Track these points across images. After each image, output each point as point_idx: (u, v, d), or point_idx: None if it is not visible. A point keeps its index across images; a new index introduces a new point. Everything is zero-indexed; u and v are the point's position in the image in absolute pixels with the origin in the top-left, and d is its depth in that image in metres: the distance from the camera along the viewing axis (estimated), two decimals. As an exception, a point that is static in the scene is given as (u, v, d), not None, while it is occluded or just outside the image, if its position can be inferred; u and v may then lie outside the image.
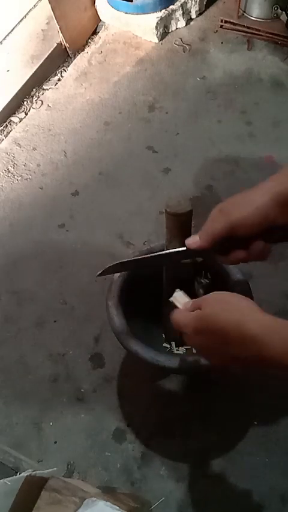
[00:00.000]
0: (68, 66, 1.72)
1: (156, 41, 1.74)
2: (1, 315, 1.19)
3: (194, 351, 0.95)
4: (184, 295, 0.70)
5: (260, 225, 0.60)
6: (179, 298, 0.69)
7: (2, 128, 1.57)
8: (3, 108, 1.56)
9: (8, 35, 1.72)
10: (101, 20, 1.82)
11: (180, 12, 1.74)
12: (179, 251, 0.70)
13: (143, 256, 0.75)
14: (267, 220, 0.60)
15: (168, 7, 1.72)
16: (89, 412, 1.04)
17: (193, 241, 0.66)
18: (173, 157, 1.45)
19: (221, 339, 0.56)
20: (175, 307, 0.68)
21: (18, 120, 1.59)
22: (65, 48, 1.71)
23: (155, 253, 0.74)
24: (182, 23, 1.78)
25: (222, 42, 1.73)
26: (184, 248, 0.69)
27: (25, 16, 1.76)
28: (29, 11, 1.77)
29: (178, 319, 0.64)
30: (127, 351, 0.84)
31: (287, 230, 0.62)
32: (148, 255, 0.74)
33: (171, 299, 0.70)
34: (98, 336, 1.14)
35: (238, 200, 0.62)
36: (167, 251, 0.73)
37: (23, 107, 1.62)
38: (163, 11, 1.71)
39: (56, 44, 1.68)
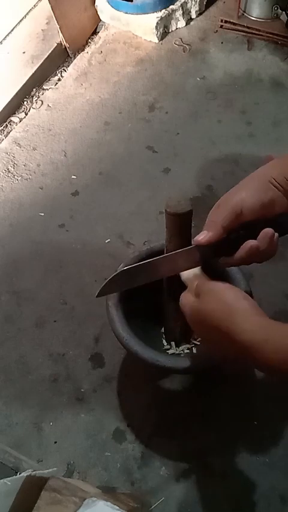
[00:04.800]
0: (68, 66, 1.72)
1: (156, 41, 1.74)
2: (1, 315, 1.19)
3: (194, 351, 0.95)
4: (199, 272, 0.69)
5: (264, 202, 0.61)
6: (189, 275, 0.68)
7: (2, 127, 1.57)
8: (3, 108, 1.56)
9: (8, 35, 1.72)
10: (101, 20, 1.82)
11: (180, 12, 1.74)
12: (186, 250, 0.67)
13: (148, 261, 0.68)
14: (268, 200, 0.61)
15: (168, 7, 1.72)
16: (89, 412, 1.04)
17: (202, 235, 0.63)
18: (173, 157, 1.45)
19: (216, 336, 0.57)
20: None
21: (18, 120, 1.59)
22: (65, 48, 1.71)
23: (161, 256, 0.68)
24: (182, 23, 1.78)
25: (222, 42, 1.73)
26: (192, 246, 0.66)
27: (25, 16, 1.76)
28: (29, 11, 1.77)
29: (182, 303, 0.65)
30: (127, 351, 0.84)
31: None
32: (152, 260, 0.68)
33: (183, 279, 0.69)
34: (98, 336, 1.14)
35: (236, 188, 0.63)
36: (175, 251, 0.67)
37: (23, 107, 1.62)
38: (163, 11, 1.71)
39: (56, 44, 1.68)
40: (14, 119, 1.59)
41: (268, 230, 0.61)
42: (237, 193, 0.63)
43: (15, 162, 1.48)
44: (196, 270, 0.69)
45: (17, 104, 1.61)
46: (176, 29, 1.79)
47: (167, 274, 0.72)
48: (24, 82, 1.61)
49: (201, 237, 0.63)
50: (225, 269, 0.86)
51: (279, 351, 0.50)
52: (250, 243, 0.61)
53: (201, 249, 0.65)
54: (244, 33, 1.72)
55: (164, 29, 1.74)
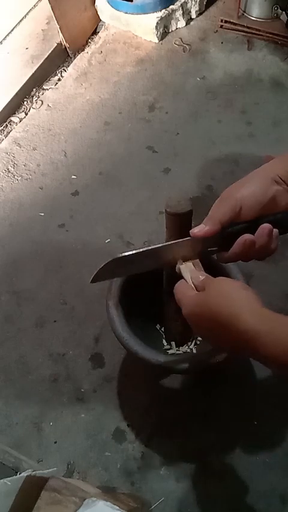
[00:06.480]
0: (68, 66, 1.72)
1: (156, 41, 1.74)
2: (1, 315, 1.19)
3: (194, 351, 0.95)
4: (195, 267, 0.66)
5: (263, 201, 0.61)
6: (187, 268, 0.66)
7: (2, 127, 1.57)
8: (3, 108, 1.56)
9: (8, 35, 1.72)
10: (101, 20, 1.82)
11: (180, 12, 1.74)
12: (183, 241, 0.66)
13: (144, 249, 0.67)
14: (269, 198, 0.61)
15: (168, 7, 1.72)
16: (89, 412, 1.04)
17: (198, 229, 0.63)
18: (173, 157, 1.45)
19: (217, 328, 0.56)
20: (181, 276, 0.66)
21: (18, 120, 1.59)
22: (65, 48, 1.71)
23: (157, 245, 0.67)
24: (182, 23, 1.78)
25: (222, 42, 1.73)
26: (189, 238, 0.65)
27: (25, 16, 1.77)
28: (29, 11, 1.78)
29: (180, 294, 0.63)
30: (127, 351, 0.84)
31: None
32: (149, 248, 0.67)
33: (178, 266, 0.67)
34: (98, 336, 1.14)
35: (238, 184, 0.63)
36: (169, 242, 0.68)
37: (23, 107, 1.62)
38: (163, 11, 1.71)
39: (56, 44, 1.68)
40: (14, 119, 1.59)
41: (265, 226, 0.61)
42: (239, 190, 0.62)
43: (15, 162, 1.48)
44: (197, 262, 0.67)
45: (17, 104, 1.61)
46: (176, 29, 1.79)
47: (163, 264, 0.71)
48: (24, 82, 1.61)
49: (197, 230, 0.63)
50: (222, 266, 0.86)
51: (280, 342, 0.50)
52: (245, 237, 0.61)
53: (197, 242, 0.65)
54: (244, 33, 1.72)
55: (164, 29, 1.74)
